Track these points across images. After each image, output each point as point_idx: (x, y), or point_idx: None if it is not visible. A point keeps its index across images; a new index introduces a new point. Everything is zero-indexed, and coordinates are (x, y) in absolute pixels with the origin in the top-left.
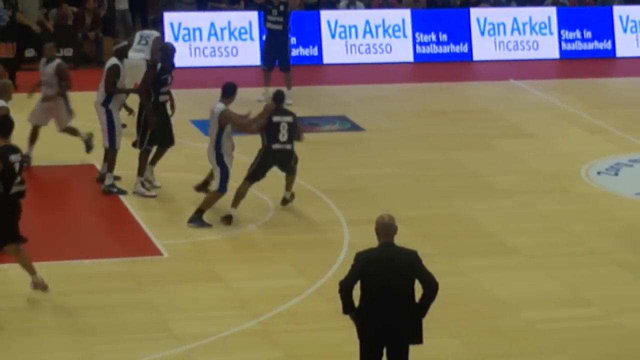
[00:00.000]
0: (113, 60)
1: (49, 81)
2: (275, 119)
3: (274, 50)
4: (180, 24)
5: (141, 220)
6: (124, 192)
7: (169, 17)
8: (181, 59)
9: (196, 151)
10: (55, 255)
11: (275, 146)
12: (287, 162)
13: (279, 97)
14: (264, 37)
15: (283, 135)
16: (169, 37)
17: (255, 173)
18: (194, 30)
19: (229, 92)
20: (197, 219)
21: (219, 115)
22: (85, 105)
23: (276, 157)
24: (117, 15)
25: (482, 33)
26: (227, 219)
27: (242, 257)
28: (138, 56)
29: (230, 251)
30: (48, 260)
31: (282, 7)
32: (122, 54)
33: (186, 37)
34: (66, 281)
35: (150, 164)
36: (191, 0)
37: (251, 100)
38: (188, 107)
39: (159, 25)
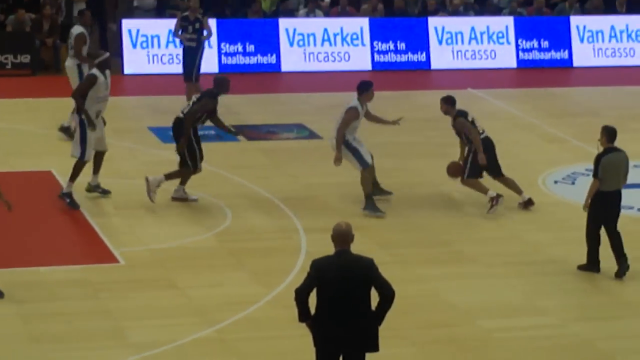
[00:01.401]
0: (93, 71)
1: None
2: None
3: (192, 62)
4: (138, 31)
5: (97, 228)
6: (76, 207)
7: (127, 24)
8: (139, 66)
9: (152, 158)
10: (11, 262)
11: None
12: None
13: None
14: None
15: None
16: (127, 44)
17: None
18: (152, 37)
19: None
20: (370, 205)
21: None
22: (41, 112)
23: None
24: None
25: (440, 42)
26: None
27: (198, 264)
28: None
29: (187, 259)
30: (4, 267)
31: (197, 25)
32: (104, 66)
33: (144, 45)
34: (22, 288)
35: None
36: (150, 8)
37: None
38: (144, 115)
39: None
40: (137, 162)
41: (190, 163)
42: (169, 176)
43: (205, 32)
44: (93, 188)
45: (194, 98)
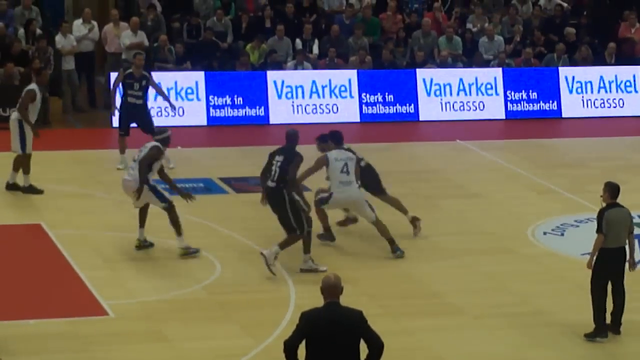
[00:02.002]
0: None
1: None
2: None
3: (135, 119)
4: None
5: (87, 280)
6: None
7: (115, 76)
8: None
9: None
10: (0, 315)
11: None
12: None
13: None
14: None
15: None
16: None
17: None
18: None
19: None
20: (397, 249)
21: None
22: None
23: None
24: (63, 75)
25: (429, 94)
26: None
27: (188, 317)
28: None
29: (176, 311)
30: None
31: (143, 82)
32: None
33: None
34: (11, 341)
35: None
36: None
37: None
38: None
39: None
40: (126, 215)
41: (297, 226)
42: (283, 245)
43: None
44: (142, 244)
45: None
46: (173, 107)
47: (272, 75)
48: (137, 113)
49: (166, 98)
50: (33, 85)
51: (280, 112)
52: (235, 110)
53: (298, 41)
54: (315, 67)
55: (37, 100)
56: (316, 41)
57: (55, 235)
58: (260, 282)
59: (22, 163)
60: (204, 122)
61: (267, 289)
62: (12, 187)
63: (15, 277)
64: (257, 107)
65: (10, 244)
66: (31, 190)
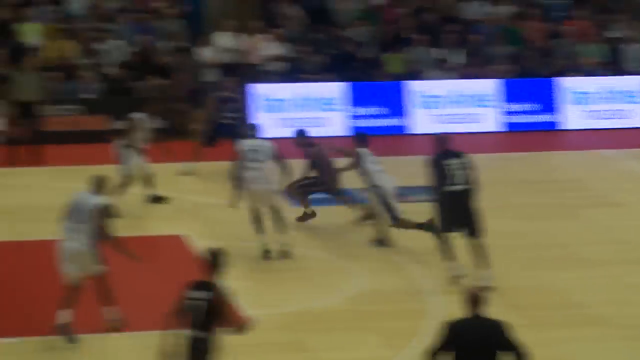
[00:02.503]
0: None
1: None
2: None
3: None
4: (269, 95)
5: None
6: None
7: (259, 88)
8: (272, 130)
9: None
10: (144, 325)
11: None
12: None
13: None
14: None
15: None
16: (255, 108)
17: None
18: (282, 101)
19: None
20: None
21: None
22: (169, 176)
23: None
24: (206, 87)
25: (573, 102)
26: None
27: (328, 327)
28: None
29: (317, 322)
30: (141, 330)
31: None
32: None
33: (275, 108)
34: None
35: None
36: (280, 72)
37: None
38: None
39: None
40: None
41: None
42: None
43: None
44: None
45: None
46: None
47: (412, 85)
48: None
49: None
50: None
51: (421, 121)
52: (376, 120)
53: (439, 51)
54: (456, 77)
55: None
56: (457, 50)
57: (197, 246)
58: (400, 293)
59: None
60: (346, 132)
61: (406, 299)
62: (156, 199)
63: (156, 289)
64: (398, 117)
65: (156, 255)
66: (157, 200)
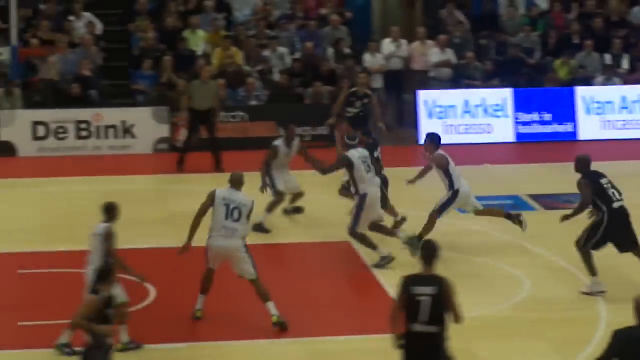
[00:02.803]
0: None
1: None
2: None
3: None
4: (434, 102)
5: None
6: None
7: (424, 95)
8: None
9: (451, 229)
10: (310, 331)
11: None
12: None
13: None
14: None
15: None
16: (422, 115)
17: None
18: (448, 108)
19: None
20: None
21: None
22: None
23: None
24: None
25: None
26: None
27: (497, 334)
28: None
29: (485, 329)
30: (305, 337)
31: (365, 100)
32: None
33: (440, 115)
34: (320, 358)
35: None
36: (446, 78)
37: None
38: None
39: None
40: (436, 233)
41: None
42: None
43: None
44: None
45: None
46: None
47: (581, 91)
48: (359, 126)
49: (379, 120)
50: (277, 142)
51: (590, 128)
52: (543, 126)
53: (607, 56)
54: (625, 82)
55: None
56: (626, 56)
57: (365, 253)
58: (571, 300)
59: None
60: (512, 139)
61: (577, 307)
62: (294, 210)
63: (328, 294)
64: (566, 124)
65: (323, 262)
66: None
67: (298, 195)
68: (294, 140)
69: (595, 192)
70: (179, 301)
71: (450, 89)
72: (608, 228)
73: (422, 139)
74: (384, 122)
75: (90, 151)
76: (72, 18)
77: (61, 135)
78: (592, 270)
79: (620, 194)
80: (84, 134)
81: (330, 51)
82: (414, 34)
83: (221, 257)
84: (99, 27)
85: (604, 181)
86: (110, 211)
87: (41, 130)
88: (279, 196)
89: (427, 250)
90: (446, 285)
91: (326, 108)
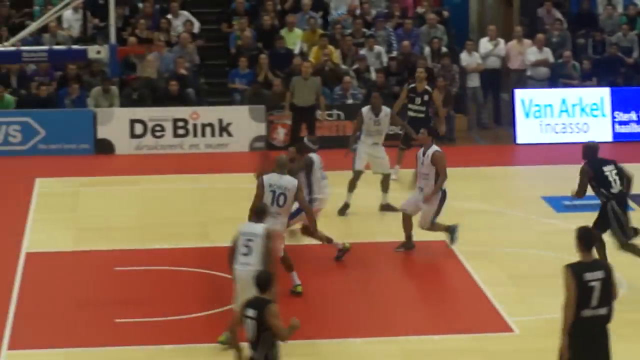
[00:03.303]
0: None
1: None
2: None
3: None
4: (531, 101)
5: (492, 297)
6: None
7: (520, 93)
8: (532, 136)
9: (546, 227)
10: (406, 330)
11: None
12: None
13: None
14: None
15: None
16: (519, 114)
17: None
18: (545, 106)
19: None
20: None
21: None
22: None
23: None
24: (468, 93)
25: None
26: None
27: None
28: None
29: None
30: (399, 335)
31: (425, 97)
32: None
33: (537, 114)
34: (415, 357)
35: None
36: (543, 77)
37: None
38: (538, 184)
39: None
40: (531, 232)
41: None
42: None
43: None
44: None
45: None
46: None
47: None
48: (418, 127)
49: (440, 116)
50: (364, 109)
51: None
52: None
53: None
54: None
55: (365, 122)
56: None
57: (460, 251)
58: None
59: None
60: (609, 139)
61: None
62: (386, 208)
63: (422, 293)
64: None
65: (418, 260)
66: (388, 208)
67: (386, 178)
68: (380, 110)
69: (594, 179)
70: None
71: (547, 87)
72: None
73: (519, 138)
74: (441, 123)
75: (187, 149)
76: (169, 16)
77: (158, 133)
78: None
79: (622, 183)
80: (181, 132)
81: (427, 50)
82: (511, 33)
83: None
84: (196, 26)
85: (607, 168)
86: (262, 213)
87: (138, 128)
88: (355, 173)
89: (585, 237)
90: (611, 269)
91: None
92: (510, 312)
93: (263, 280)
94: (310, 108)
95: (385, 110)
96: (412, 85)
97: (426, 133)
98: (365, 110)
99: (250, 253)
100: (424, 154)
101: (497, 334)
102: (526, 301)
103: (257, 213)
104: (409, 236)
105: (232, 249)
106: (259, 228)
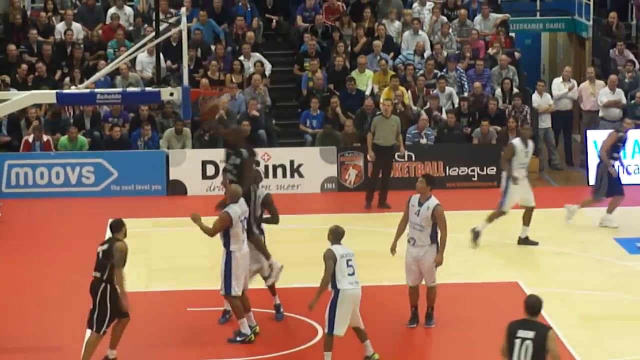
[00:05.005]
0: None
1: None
2: None
3: None
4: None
5: (565, 339)
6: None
7: (593, 134)
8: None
9: (620, 270)
10: None
11: None
12: None
13: None
14: None
15: None
16: (592, 155)
17: None
18: None
19: None
20: None
21: None
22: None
23: None
24: (539, 134)
25: None
26: None
27: None
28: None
29: None
30: None
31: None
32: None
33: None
34: None
35: None
36: (615, 118)
37: None
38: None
39: None
40: (604, 274)
41: None
42: None
43: None
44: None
45: None
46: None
47: None
48: None
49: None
50: (515, 140)
51: None
52: None
53: None
54: None
55: (517, 153)
56: None
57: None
58: None
59: (493, 215)
60: None
61: None
62: (524, 241)
63: (491, 336)
64: None
65: (488, 302)
66: (527, 242)
67: (529, 211)
68: (529, 140)
69: None
70: (344, 341)
71: None
72: None
73: (592, 180)
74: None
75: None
76: (241, 58)
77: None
78: None
79: None
80: None
81: (498, 90)
82: (582, 74)
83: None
84: (268, 67)
85: None
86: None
87: (210, 169)
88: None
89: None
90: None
91: (494, 148)
92: (584, 354)
93: (537, 304)
94: (390, 147)
95: (531, 142)
96: (621, 133)
97: (425, 182)
98: (517, 143)
99: (355, 272)
100: (419, 204)
101: None
102: (601, 344)
103: (336, 235)
104: (415, 307)
105: None
106: (348, 248)
